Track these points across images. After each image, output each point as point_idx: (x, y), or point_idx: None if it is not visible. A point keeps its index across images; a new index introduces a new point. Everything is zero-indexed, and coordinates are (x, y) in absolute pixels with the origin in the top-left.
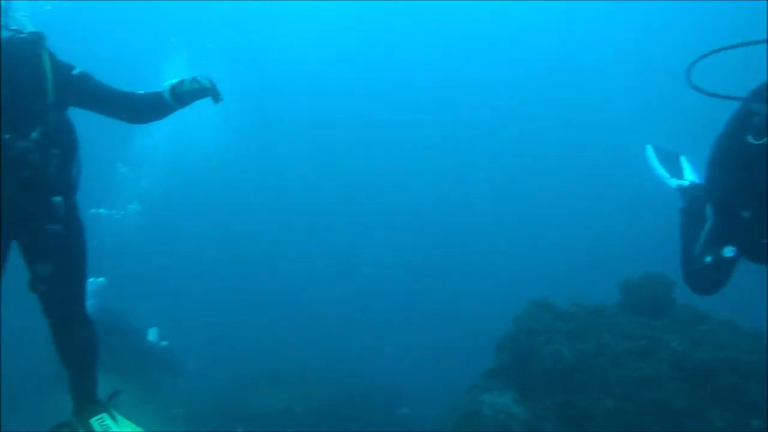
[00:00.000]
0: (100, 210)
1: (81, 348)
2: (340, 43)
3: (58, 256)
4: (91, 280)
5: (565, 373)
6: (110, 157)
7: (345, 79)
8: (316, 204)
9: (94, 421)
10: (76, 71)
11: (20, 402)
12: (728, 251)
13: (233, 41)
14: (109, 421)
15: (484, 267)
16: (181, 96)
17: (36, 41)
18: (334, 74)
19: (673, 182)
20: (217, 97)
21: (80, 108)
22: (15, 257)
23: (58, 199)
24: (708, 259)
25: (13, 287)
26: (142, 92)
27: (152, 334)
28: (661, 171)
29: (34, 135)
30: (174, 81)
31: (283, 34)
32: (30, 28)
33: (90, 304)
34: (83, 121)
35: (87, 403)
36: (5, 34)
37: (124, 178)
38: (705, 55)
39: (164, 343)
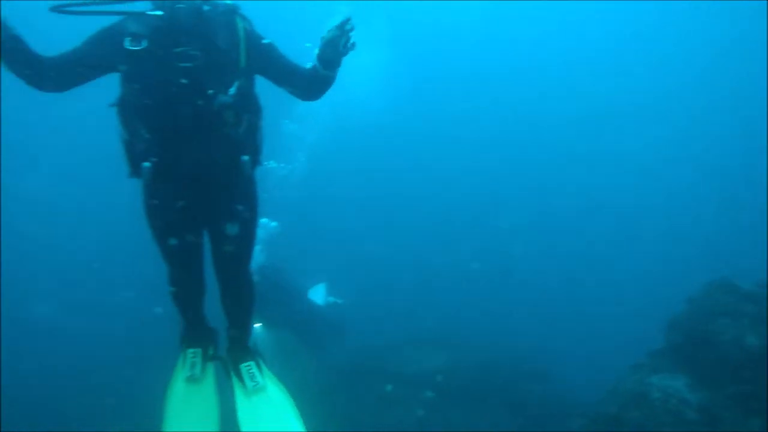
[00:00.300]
0: (270, 163)
1: (243, 303)
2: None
3: (241, 216)
4: (263, 221)
5: (750, 361)
6: (278, 114)
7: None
8: (474, 169)
9: (243, 366)
10: (265, 41)
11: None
12: None
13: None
14: (255, 369)
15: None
16: (324, 56)
17: (232, 11)
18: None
19: None
20: (347, 39)
21: (263, 76)
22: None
23: (245, 157)
24: None
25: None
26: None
27: (318, 293)
28: None
29: (232, 91)
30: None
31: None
32: (226, 0)
33: (258, 249)
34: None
35: (240, 350)
36: (206, 6)
37: (291, 134)
38: None
39: (332, 299)
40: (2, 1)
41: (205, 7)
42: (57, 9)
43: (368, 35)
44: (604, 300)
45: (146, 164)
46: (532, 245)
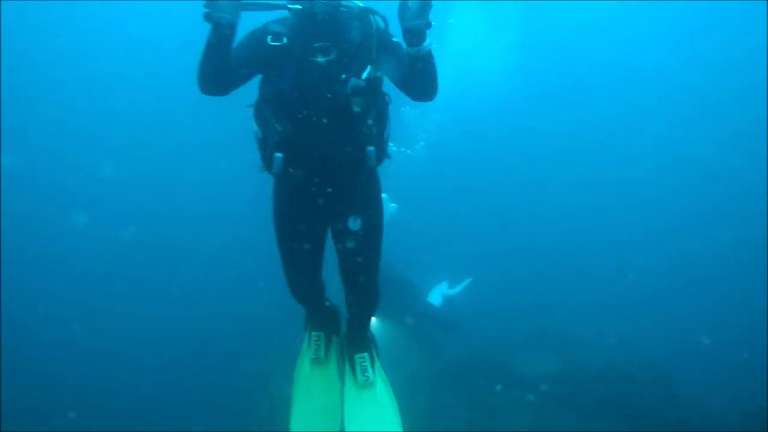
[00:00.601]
0: (390, 146)
1: (365, 306)
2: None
3: (365, 210)
4: (384, 195)
5: None
6: (398, 100)
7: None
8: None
9: (357, 357)
10: (394, 39)
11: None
12: None
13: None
14: (368, 363)
15: None
16: (409, 37)
17: (366, 10)
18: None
19: None
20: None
21: (386, 75)
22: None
23: (371, 148)
24: None
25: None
26: None
27: (437, 293)
28: None
29: (365, 76)
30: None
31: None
32: (359, 3)
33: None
34: None
35: (357, 340)
36: (342, 6)
37: (411, 120)
38: None
39: (449, 292)
40: (2, 1)
41: (342, 7)
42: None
43: (498, 21)
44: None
45: (278, 155)
46: (651, 248)
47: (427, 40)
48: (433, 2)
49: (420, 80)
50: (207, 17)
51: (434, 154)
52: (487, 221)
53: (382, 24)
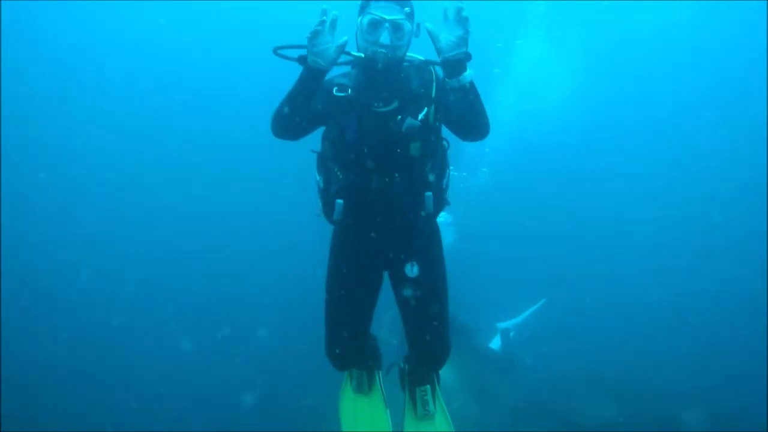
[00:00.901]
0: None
1: (429, 357)
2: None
3: (424, 257)
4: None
5: None
6: None
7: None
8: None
9: (419, 390)
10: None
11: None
12: None
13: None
14: (429, 396)
15: None
16: (448, 69)
17: (429, 62)
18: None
19: None
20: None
21: (443, 122)
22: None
23: (429, 194)
24: None
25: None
26: None
27: (496, 339)
28: None
29: (421, 116)
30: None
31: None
32: (420, 57)
33: None
34: None
35: (419, 372)
36: (404, 58)
37: (470, 147)
38: None
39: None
40: (2, 1)
41: (404, 59)
42: (277, 51)
43: (561, 46)
44: None
45: (339, 201)
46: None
47: (468, 71)
48: (469, 34)
49: (466, 115)
50: (302, 60)
51: (498, 182)
52: (551, 254)
53: (441, 73)
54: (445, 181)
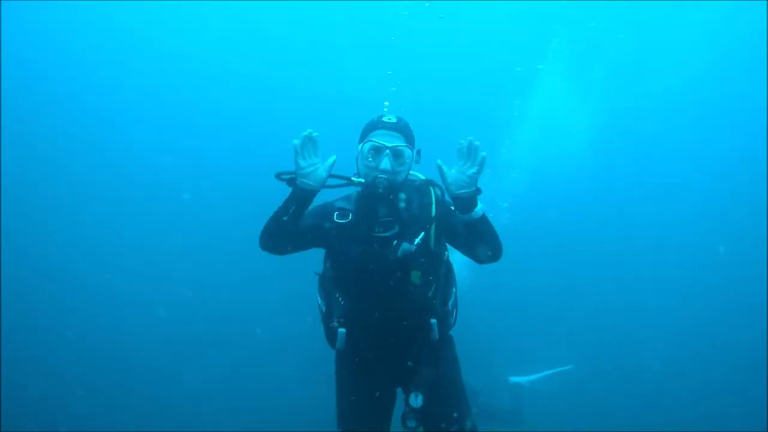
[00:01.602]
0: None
1: None
2: None
3: (429, 388)
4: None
5: None
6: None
7: None
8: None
9: None
10: (453, 207)
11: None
12: None
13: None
14: None
15: None
16: (459, 205)
17: (427, 182)
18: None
19: None
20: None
21: (448, 242)
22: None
23: (434, 321)
24: None
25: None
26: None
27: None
28: None
29: (417, 241)
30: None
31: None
32: (421, 177)
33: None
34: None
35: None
36: (403, 179)
37: (489, 181)
38: None
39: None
40: (2, 1)
41: (403, 179)
42: (279, 176)
43: (582, 85)
44: None
45: (341, 330)
46: None
47: (479, 206)
48: (481, 173)
49: (477, 243)
50: (291, 182)
51: (518, 221)
52: (575, 302)
53: (440, 194)
54: (451, 302)
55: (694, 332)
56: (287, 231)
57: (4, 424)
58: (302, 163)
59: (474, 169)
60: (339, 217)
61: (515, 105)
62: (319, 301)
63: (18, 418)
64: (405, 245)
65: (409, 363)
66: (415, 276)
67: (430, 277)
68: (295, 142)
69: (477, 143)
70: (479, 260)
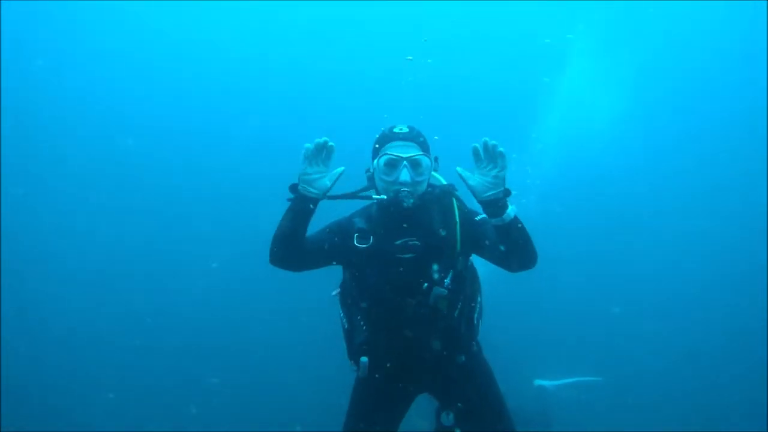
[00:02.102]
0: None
1: None
2: None
3: (463, 407)
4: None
5: None
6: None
7: None
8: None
9: None
10: (478, 217)
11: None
12: None
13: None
14: None
15: None
16: (487, 209)
17: (449, 192)
18: None
19: None
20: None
21: (476, 254)
22: None
23: (462, 358)
24: None
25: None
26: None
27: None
28: None
29: (447, 281)
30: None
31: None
32: (442, 181)
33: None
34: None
35: None
36: (425, 189)
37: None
38: None
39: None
40: (2, 1)
41: (424, 189)
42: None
43: (613, 69)
44: None
45: (364, 359)
46: None
47: (510, 207)
48: (505, 170)
49: (512, 250)
50: (293, 188)
51: (546, 207)
52: (600, 292)
53: (463, 206)
54: (476, 315)
55: (695, 332)
56: (293, 243)
57: (4, 424)
58: (309, 169)
59: (497, 169)
60: (360, 240)
61: (544, 83)
62: (341, 314)
63: (18, 418)
64: (436, 290)
65: (437, 383)
66: (443, 305)
67: (456, 302)
68: (308, 146)
69: (492, 142)
70: (511, 269)
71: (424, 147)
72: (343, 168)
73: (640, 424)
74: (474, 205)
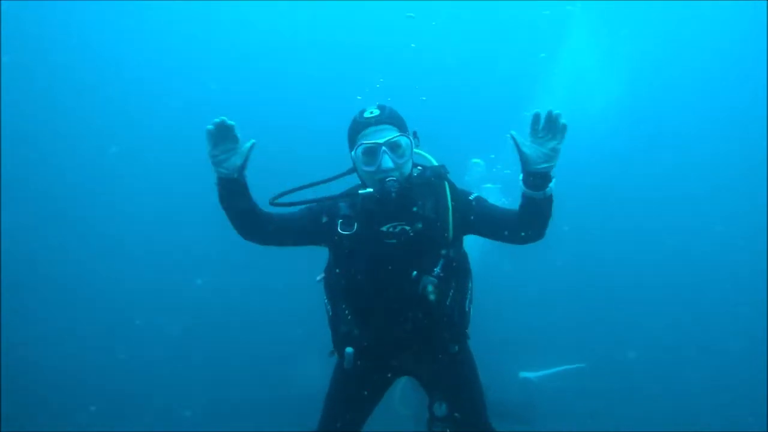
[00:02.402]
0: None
1: None
2: None
3: (452, 396)
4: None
5: None
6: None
7: None
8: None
9: None
10: (471, 197)
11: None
12: None
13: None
14: None
15: None
16: (533, 180)
17: (440, 174)
18: None
19: None
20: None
21: (474, 234)
22: None
23: (455, 348)
24: None
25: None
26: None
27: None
28: None
29: (437, 270)
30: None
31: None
32: (433, 161)
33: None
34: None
35: None
36: (415, 171)
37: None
38: None
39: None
40: (2, 1)
41: (414, 173)
42: (273, 202)
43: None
44: None
45: (349, 350)
46: None
47: (553, 181)
48: (562, 143)
49: (533, 221)
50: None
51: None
52: (595, 292)
53: (454, 189)
54: (467, 302)
55: (694, 331)
56: (247, 218)
57: (4, 424)
58: (215, 150)
59: (555, 141)
60: (343, 227)
61: (541, 59)
62: (325, 300)
63: (18, 418)
64: (425, 279)
65: (426, 373)
66: (432, 292)
67: (448, 288)
68: (209, 127)
69: (557, 111)
70: (522, 240)
71: (400, 126)
72: (253, 140)
73: (628, 417)
74: (463, 186)
